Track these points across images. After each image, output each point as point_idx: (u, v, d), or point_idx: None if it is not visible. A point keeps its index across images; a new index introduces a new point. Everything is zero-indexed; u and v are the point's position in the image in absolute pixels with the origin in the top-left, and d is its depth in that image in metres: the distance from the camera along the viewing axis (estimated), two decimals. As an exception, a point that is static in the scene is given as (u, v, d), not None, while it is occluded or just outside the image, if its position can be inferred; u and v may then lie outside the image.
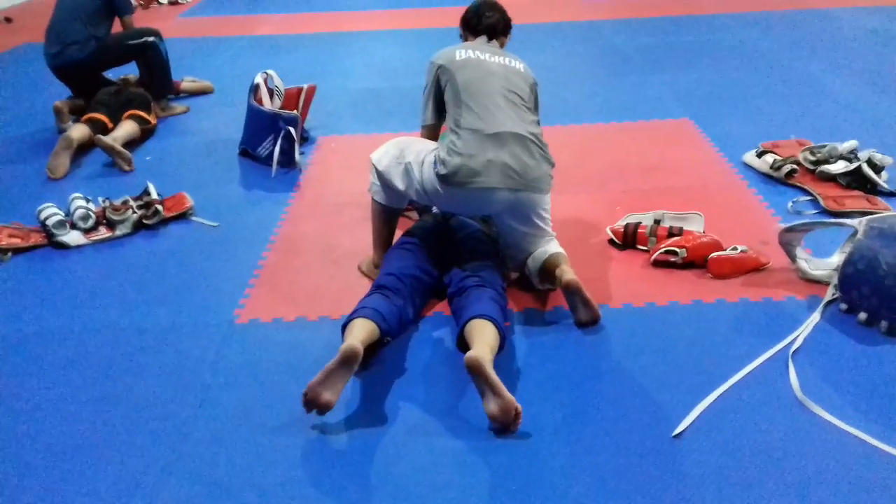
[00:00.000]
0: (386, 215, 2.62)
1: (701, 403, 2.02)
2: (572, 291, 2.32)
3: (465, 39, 2.71)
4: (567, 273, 2.35)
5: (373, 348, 2.15)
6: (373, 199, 2.61)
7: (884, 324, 2.28)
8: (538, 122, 2.51)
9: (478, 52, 2.52)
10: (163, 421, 2.06)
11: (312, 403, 1.96)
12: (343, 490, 1.82)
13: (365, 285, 2.62)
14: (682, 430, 1.94)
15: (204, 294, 2.65)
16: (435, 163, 2.36)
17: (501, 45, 2.70)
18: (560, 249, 2.48)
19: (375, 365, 2.21)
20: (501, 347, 2.15)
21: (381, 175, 2.53)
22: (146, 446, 1.98)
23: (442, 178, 2.33)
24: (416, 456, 1.91)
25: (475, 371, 1.94)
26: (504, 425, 1.92)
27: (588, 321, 2.34)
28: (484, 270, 2.42)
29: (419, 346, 2.31)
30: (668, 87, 4.60)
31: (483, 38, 2.65)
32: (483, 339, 2.06)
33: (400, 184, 2.48)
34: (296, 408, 2.06)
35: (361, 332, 2.08)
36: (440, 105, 2.51)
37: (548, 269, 2.44)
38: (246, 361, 2.29)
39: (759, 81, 4.65)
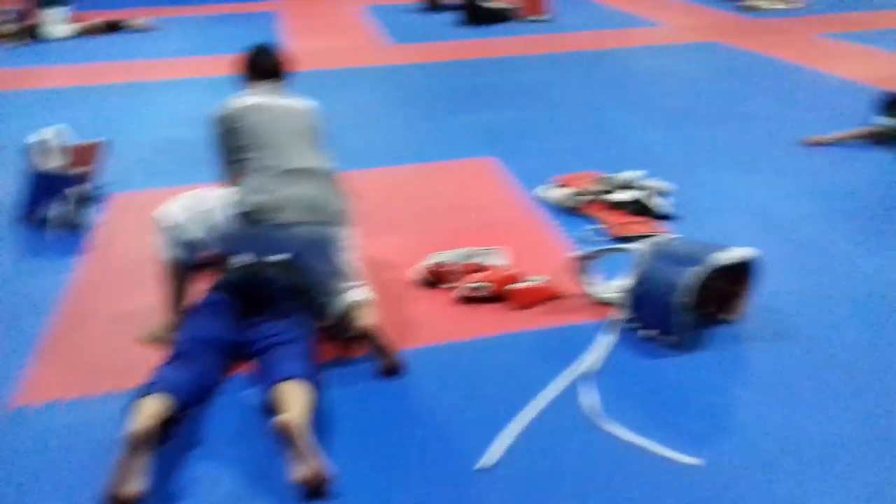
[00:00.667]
0: (178, 271, 2.49)
1: (501, 434, 2.05)
2: (369, 338, 2.32)
3: (247, 85, 2.68)
4: (364, 318, 2.33)
5: (172, 422, 2.00)
6: (163, 259, 2.47)
7: (672, 338, 2.43)
8: (328, 159, 2.53)
9: (258, 98, 2.52)
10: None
11: (117, 502, 1.79)
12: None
13: (157, 352, 2.46)
14: (485, 463, 1.95)
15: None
16: (235, 204, 2.32)
17: (281, 88, 2.68)
18: (365, 296, 2.45)
19: (175, 438, 2.05)
20: (318, 400, 2.08)
21: (170, 231, 2.41)
22: None
23: (243, 217, 2.30)
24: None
25: (284, 436, 1.87)
26: (314, 491, 1.85)
27: (388, 369, 2.32)
28: (292, 324, 2.35)
29: (223, 412, 2.19)
30: (474, 127, 4.75)
31: (264, 83, 2.63)
32: (294, 401, 1.98)
33: (200, 232, 2.39)
34: (81, 498, 1.87)
35: (151, 410, 1.93)
36: (232, 158, 2.48)
37: (350, 317, 2.41)
38: (23, 451, 2.06)
39: (558, 118, 4.92)
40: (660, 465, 1.95)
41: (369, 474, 1.94)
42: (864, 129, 4.31)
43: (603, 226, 3.29)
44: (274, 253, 2.61)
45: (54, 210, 3.35)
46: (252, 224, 2.30)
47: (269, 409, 2.07)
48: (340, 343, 2.47)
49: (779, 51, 6.65)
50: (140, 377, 2.28)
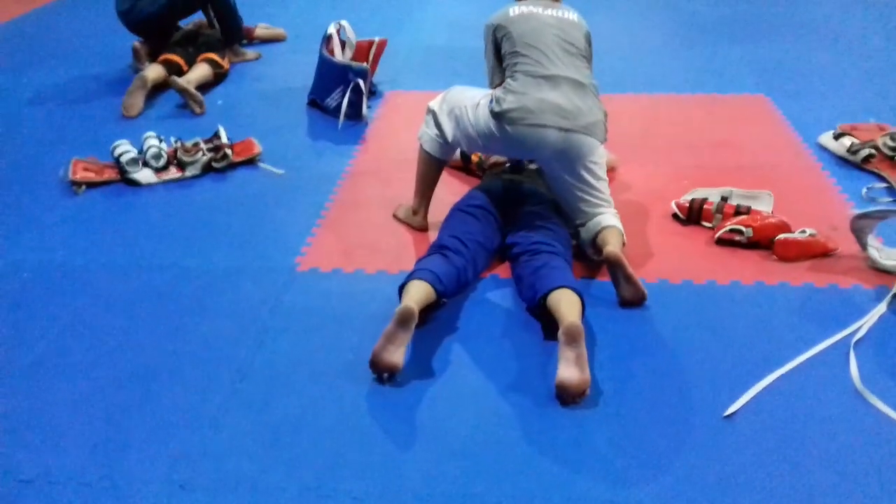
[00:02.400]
0: (432, 165, 2.66)
1: (756, 385, 2.00)
2: (613, 265, 2.30)
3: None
4: (610, 244, 2.32)
5: (429, 308, 2.17)
6: (421, 146, 2.65)
7: (955, 320, 2.20)
8: (591, 73, 2.53)
9: (531, 6, 2.56)
10: (223, 360, 2.13)
11: (379, 367, 2.00)
12: (390, 437, 1.86)
13: (425, 242, 2.64)
14: (735, 411, 1.92)
15: (267, 240, 2.70)
16: (491, 102, 2.41)
17: (555, 1, 2.67)
18: (615, 222, 2.44)
19: (431, 323, 2.23)
20: (583, 318, 2.14)
21: (437, 121, 2.57)
22: (206, 381, 2.05)
23: (496, 116, 2.38)
24: (466, 413, 1.94)
25: (574, 339, 1.96)
26: (571, 397, 1.93)
27: (630, 299, 2.30)
28: (555, 238, 2.41)
29: (475, 307, 2.33)
30: (745, 61, 4.44)
31: None
32: (574, 310, 2.06)
33: (449, 131, 2.53)
34: (349, 356, 2.11)
35: (417, 294, 2.10)
36: (500, 64, 2.55)
37: (599, 241, 2.42)
38: (304, 308, 2.34)
39: (840, 60, 4.46)
40: (924, 451, 1.82)
41: (612, 396, 1.98)
42: None
43: (889, 185, 2.99)
44: (525, 156, 2.70)
45: (340, 98, 3.62)
46: (506, 124, 2.37)
47: (539, 312, 2.17)
48: (589, 263, 2.51)
49: None
50: (405, 261, 2.50)
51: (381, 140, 3.50)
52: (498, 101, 2.39)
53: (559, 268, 2.25)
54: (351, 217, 2.87)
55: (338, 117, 3.60)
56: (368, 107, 3.73)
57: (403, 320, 2.01)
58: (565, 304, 2.08)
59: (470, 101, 2.50)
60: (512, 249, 2.43)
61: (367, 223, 2.83)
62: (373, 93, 3.97)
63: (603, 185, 2.49)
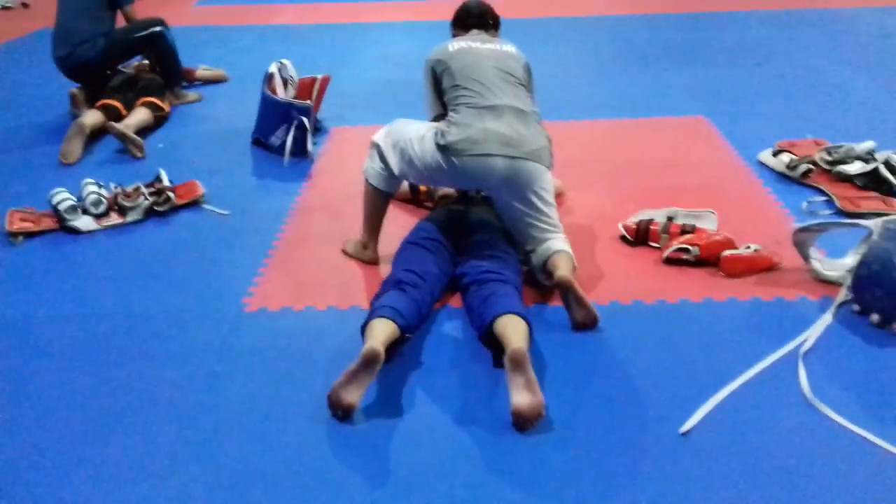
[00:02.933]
0: (378, 198, 2.67)
1: (709, 401, 2.02)
2: (564, 289, 2.32)
3: (459, 34, 2.81)
4: (560, 269, 2.35)
5: (394, 345, 2.16)
6: (367, 181, 2.65)
7: (897, 326, 2.26)
8: (534, 102, 2.59)
9: (469, 42, 2.64)
10: (170, 407, 2.07)
11: (337, 405, 1.98)
12: (348, 476, 1.83)
13: (375, 276, 2.63)
14: (690, 428, 1.93)
15: (213, 282, 2.66)
16: (436, 135, 2.44)
17: (492, 36, 2.76)
18: (565, 247, 2.47)
19: (395, 359, 2.21)
20: (531, 343, 2.14)
21: (381, 155, 2.58)
22: (153, 432, 1.99)
23: (442, 149, 2.41)
24: (423, 447, 1.92)
25: (519, 365, 1.95)
26: (526, 422, 1.92)
27: (583, 322, 2.32)
28: (503, 266, 2.42)
29: (428, 340, 2.32)
30: (684, 85, 4.57)
31: (473, 32, 2.76)
32: (520, 335, 2.07)
33: (395, 164, 2.54)
34: (303, 396, 2.08)
35: (382, 333, 2.08)
36: (442, 98, 2.61)
37: (550, 266, 2.43)
38: (254, 350, 2.30)
39: (776, 80, 4.62)
40: (879, 458, 1.85)
41: (567, 420, 1.98)
42: None
43: (828, 198, 3.08)
44: (472, 186, 2.72)
45: (284, 136, 3.61)
46: (452, 156, 2.39)
47: (488, 340, 2.17)
48: (540, 289, 2.52)
49: None
50: (356, 296, 2.50)
51: (328, 175, 3.49)
52: (443, 133, 2.42)
53: (506, 295, 2.25)
54: (299, 254, 2.85)
55: (283, 155, 3.59)
56: (314, 143, 3.73)
57: (369, 362, 1.98)
58: (511, 329, 2.08)
59: (415, 134, 2.52)
60: (462, 279, 2.44)
61: (315, 260, 2.81)
62: (318, 129, 3.97)
63: (552, 211, 2.51)
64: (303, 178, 3.45)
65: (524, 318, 2.14)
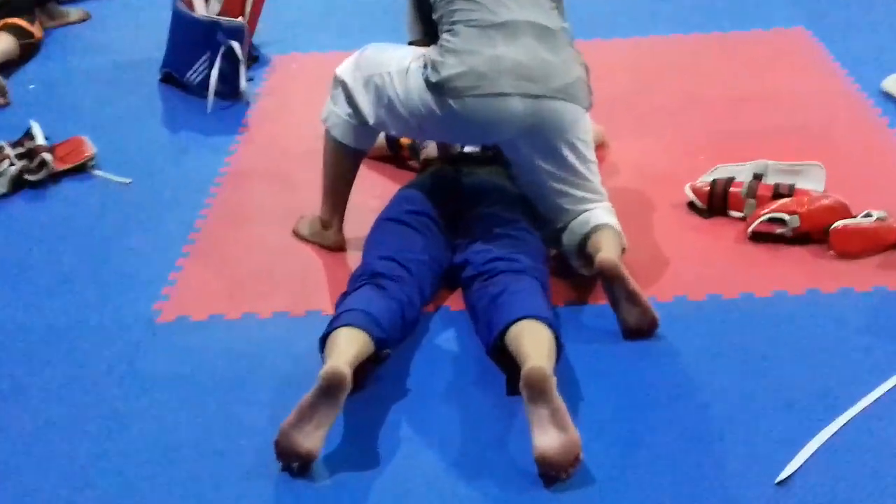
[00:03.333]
0: (345, 158, 2.65)
1: (815, 438, 2.02)
2: (609, 279, 2.31)
3: None
4: (604, 250, 2.33)
5: (366, 365, 2.15)
6: (328, 132, 2.63)
7: None
8: (563, 14, 2.54)
9: None
10: (56, 459, 2.07)
11: (289, 454, 1.97)
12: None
13: (342, 267, 2.63)
14: (790, 476, 1.94)
15: (111, 281, 2.67)
16: (425, 68, 2.39)
17: None
18: (610, 219, 2.47)
19: (371, 385, 2.21)
20: (558, 359, 2.15)
21: (349, 96, 2.55)
22: (36, 493, 1.98)
23: (434, 88, 2.37)
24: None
25: (540, 391, 1.94)
26: (557, 470, 1.93)
27: (636, 326, 2.32)
28: (519, 249, 2.42)
29: (418, 357, 2.32)
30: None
31: None
32: (540, 349, 2.05)
33: (369, 109, 2.52)
34: (241, 443, 2.08)
35: (349, 347, 2.07)
36: (426, 14, 2.56)
37: (590, 248, 2.42)
38: (170, 376, 2.30)
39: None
40: None
41: (620, 467, 1.99)
42: None
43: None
44: (479, 141, 2.71)
45: (206, 70, 3.60)
46: (449, 97, 2.35)
47: (498, 356, 2.17)
48: (577, 280, 2.52)
49: None
50: (316, 296, 2.52)
51: (271, 126, 3.48)
52: (434, 66, 2.37)
53: (523, 291, 2.25)
54: (232, 239, 2.85)
55: (206, 97, 3.57)
56: (249, 79, 3.71)
57: (331, 390, 1.97)
58: (528, 340, 2.08)
59: (395, 66, 2.48)
60: (463, 272, 2.44)
61: (256, 246, 2.81)
62: (254, 58, 3.96)
63: (592, 170, 2.50)
64: (235, 131, 3.44)
65: (549, 324, 2.14)
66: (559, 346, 2.13)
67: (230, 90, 3.62)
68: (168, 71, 3.80)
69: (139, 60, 3.98)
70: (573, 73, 2.44)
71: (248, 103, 3.63)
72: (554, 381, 1.97)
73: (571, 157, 2.45)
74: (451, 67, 2.36)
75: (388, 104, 2.48)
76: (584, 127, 2.47)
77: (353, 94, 2.55)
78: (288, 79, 3.86)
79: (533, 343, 2.08)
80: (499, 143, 2.56)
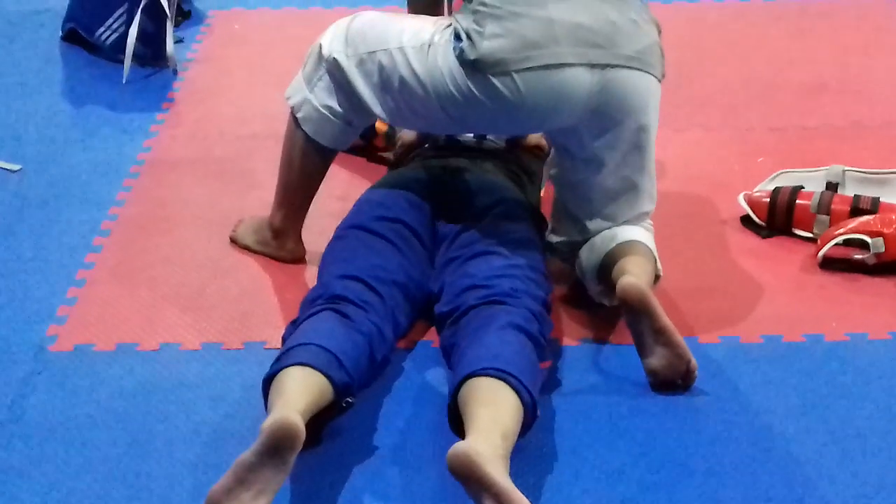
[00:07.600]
0: (314, 157, 2.65)
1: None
2: (634, 309, 2.29)
3: None
4: (631, 274, 2.32)
5: (323, 414, 2.16)
6: (295, 121, 2.62)
7: None
8: None
9: None
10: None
11: None
12: None
13: (295, 286, 2.65)
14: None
15: (-8, 299, 2.68)
16: (457, 40, 2.36)
17: None
18: (642, 235, 2.50)
19: (328, 440, 2.22)
20: (527, 427, 2.12)
21: (343, 79, 2.52)
22: None
23: (471, 65, 2.34)
24: None
25: (465, 475, 1.89)
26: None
27: (666, 373, 2.32)
28: (512, 267, 2.44)
29: (400, 404, 2.34)
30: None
31: None
32: (487, 418, 2.02)
33: (373, 100, 2.50)
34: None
35: (302, 395, 2.06)
36: None
37: (614, 272, 2.41)
38: (66, 421, 2.30)
39: None
40: None
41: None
42: None
43: None
44: (532, 129, 2.76)
45: (123, 28, 3.62)
46: (494, 75, 2.33)
47: (453, 420, 2.14)
48: (595, 312, 2.55)
49: None
50: (257, 322, 2.55)
51: (204, 102, 3.51)
52: (469, 36, 2.33)
53: (488, 333, 2.22)
54: (150, 246, 2.86)
55: (121, 62, 3.60)
56: (178, 40, 3.74)
57: (276, 447, 1.96)
58: (472, 407, 2.03)
59: (410, 39, 2.45)
60: (438, 304, 2.46)
61: (181, 257, 2.82)
62: (185, 14, 3.99)
63: (653, 169, 2.55)
64: (158, 107, 3.47)
65: (508, 378, 2.07)
66: (527, 412, 2.08)
67: (153, 54, 3.66)
68: (73, 27, 3.82)
69: (35, 12, 4.01)
70: (647, 35, 2.45)
71: (175, 72, 3.66)
72: (485, 459, 1.87)
73: (642, 146, 2.48)
74: (491, 37, 2.33)
75: (401, 90, 2.45)
76: (657, 105, 2.49)
77: (350, 77, 2.52)
78: (228, 42, 3.89)
79: (480, 411, 2.02)
80: (550, 133, 2.57)
